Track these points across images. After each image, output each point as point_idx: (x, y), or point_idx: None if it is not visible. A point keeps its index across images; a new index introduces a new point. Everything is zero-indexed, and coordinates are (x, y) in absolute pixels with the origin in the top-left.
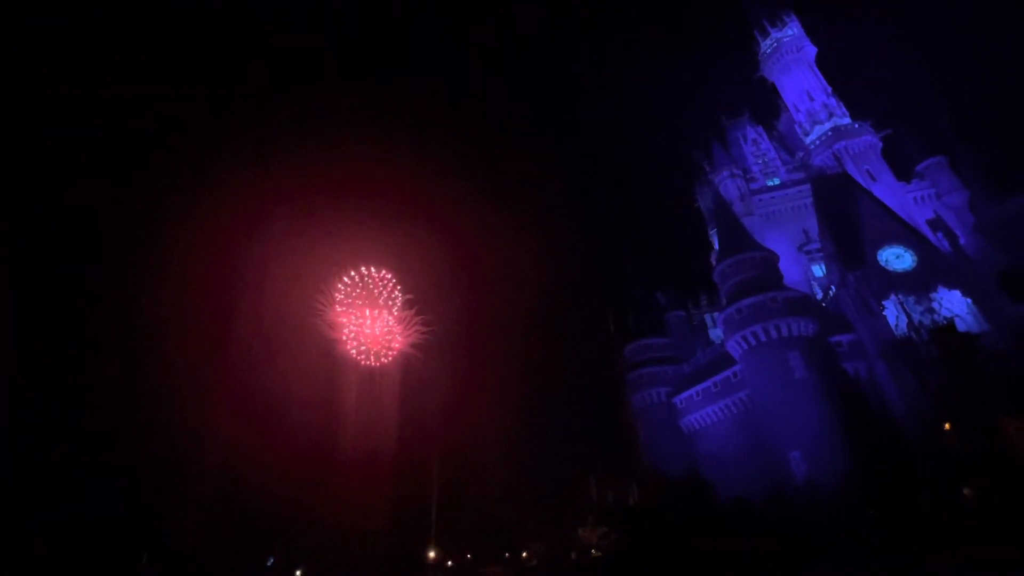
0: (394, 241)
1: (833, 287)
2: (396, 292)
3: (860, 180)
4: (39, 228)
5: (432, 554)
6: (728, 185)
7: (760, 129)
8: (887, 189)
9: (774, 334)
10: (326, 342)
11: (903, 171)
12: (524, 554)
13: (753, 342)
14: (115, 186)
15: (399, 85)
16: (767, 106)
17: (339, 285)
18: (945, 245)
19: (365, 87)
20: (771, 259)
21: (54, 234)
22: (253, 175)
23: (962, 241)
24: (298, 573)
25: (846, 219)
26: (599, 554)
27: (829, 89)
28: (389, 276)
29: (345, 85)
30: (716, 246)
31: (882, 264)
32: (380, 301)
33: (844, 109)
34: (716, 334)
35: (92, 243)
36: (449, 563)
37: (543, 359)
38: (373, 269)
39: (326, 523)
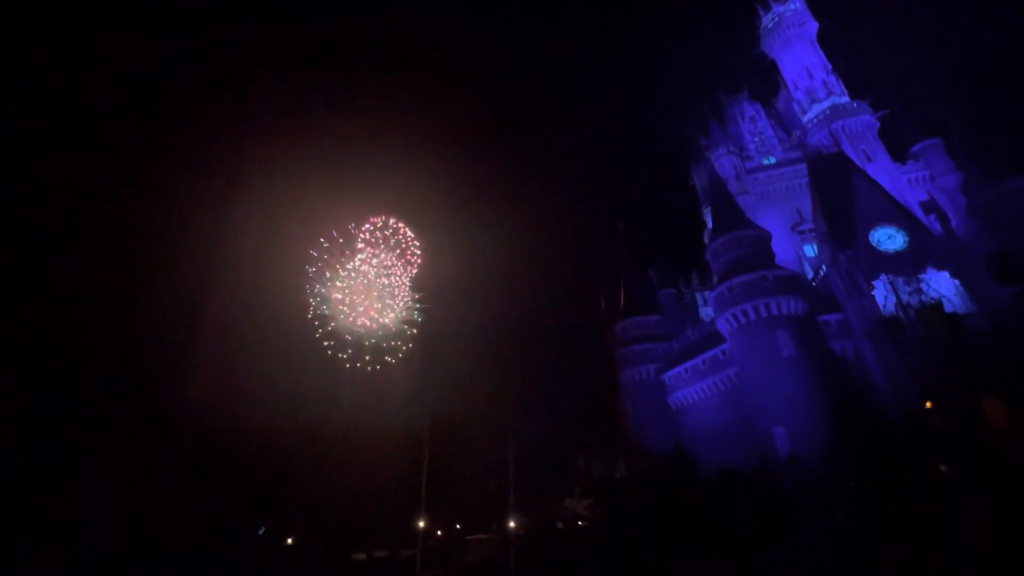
0: (385, 201)
1: (824, 267)
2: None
3: (856, 160)
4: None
5: (422, 523)
6: (724, 163)
7: (758, 106)
8: (882, 170)
9: (764, 312)
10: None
11: (899, 152)
12: (511, 524)
13: (743, 320)
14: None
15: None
16: (766, 83)
17: (353, 229)
18: (937, 227)
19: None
20: (764, 238)
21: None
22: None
23: (954, 223)
24: (289, 541)
25: (840, 199)
26: (585, 524)
27: (829, 67)
28: (406, 228)
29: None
30: (710, 224)
31: (873, 244)
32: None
33: (843, 87)
34: (707, 313)
35: (71, 213)
36: (439, 532)
37: (533, 334)
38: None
39: (316, 494)
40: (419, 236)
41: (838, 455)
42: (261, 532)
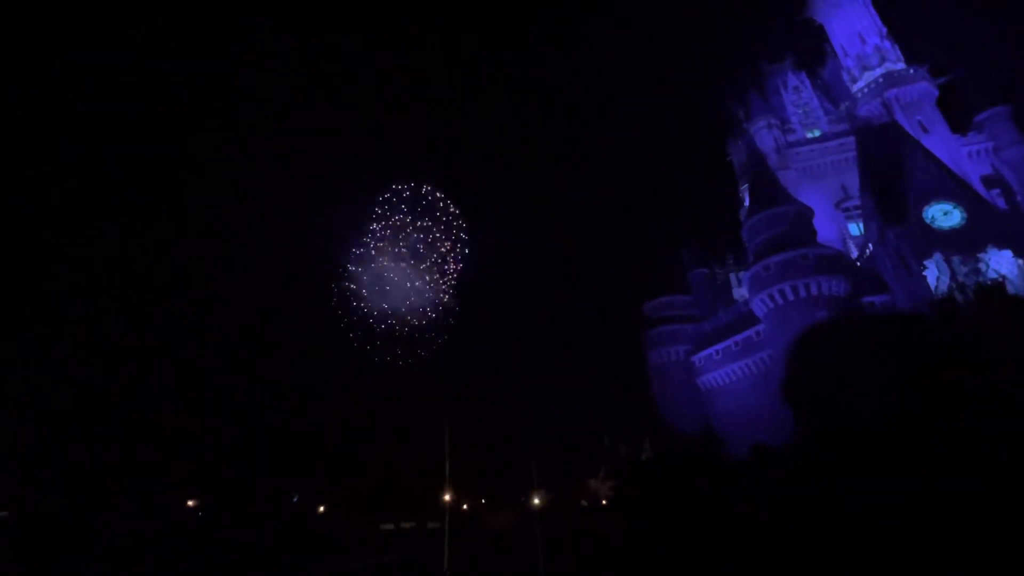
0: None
1: (870, 245)
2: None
3: (910, 131)
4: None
5: (447, 497)
6: (764, 136)
7: (803, 76)
8: (940, 142)
9: (803, 293)
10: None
11: (960, 123)
12: (536, 500)
13: (780, 301)
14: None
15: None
16: (812, 51)
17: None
18: (1001, 202)
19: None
20: (805, 214)
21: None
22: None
23: (1020, 198)
24: (321, 509)
25: (891, 173)
26: (608, 504)
27: (884, 30)
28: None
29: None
30: (747, 202)
31: (927, 221)
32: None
33: (899, 53)
34: (740, 293)
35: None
36: (464, 506)
37: (561, 314)
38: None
39: (347, 465)
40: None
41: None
42: (295, 500)
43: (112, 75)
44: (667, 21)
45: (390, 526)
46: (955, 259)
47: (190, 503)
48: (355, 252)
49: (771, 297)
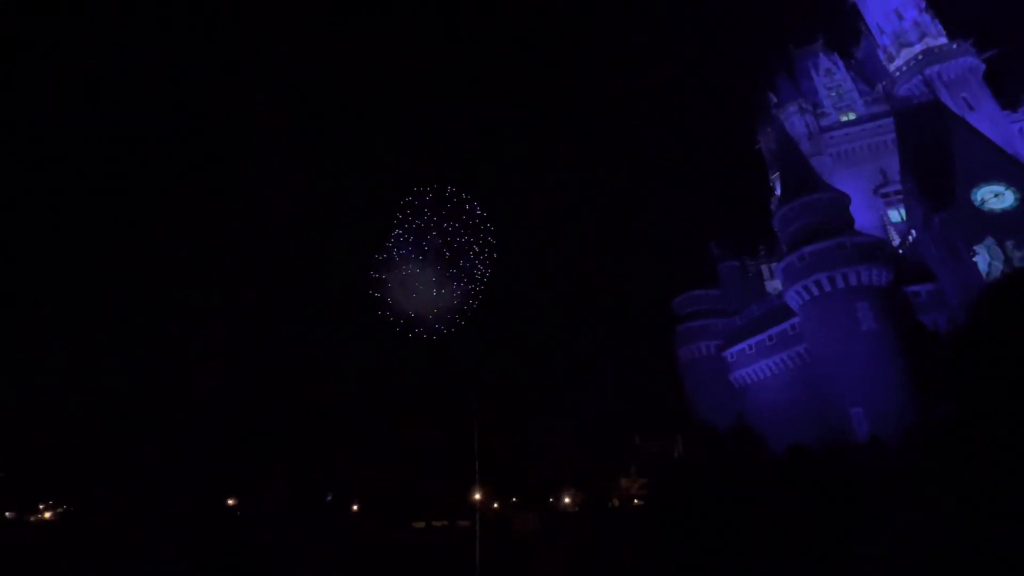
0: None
1: (914, 232)
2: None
3: (955, 109)
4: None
5: (477, 496)
6: (795, 121)
7: (835, 57)
8: (987, 119)
9: (840, 283)
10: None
11: (1009, 99)
12: (566, 500)
13: (816, 292)
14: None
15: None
16: (844, 32)
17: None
18: None
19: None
20: (841, 201)
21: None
22: None
23: None
24: (354, 508)
25: (935, 154)
26: (640, 503)
27: (923, 4)
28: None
29: None
30: (778, 191)
31: (976, 204)
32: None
33: (940, 27)
34: (773, 286)
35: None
36: (495, 505)
37: (590, 307)
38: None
39: (378, 465)
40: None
41: (930, 442)
42: (328, 499)
43: (145, 82)
44: (694, 9)
45: (422, 524)
46: (1008, 243)
47: (230, 502)
48: (380, 257)
49: (806, 289)
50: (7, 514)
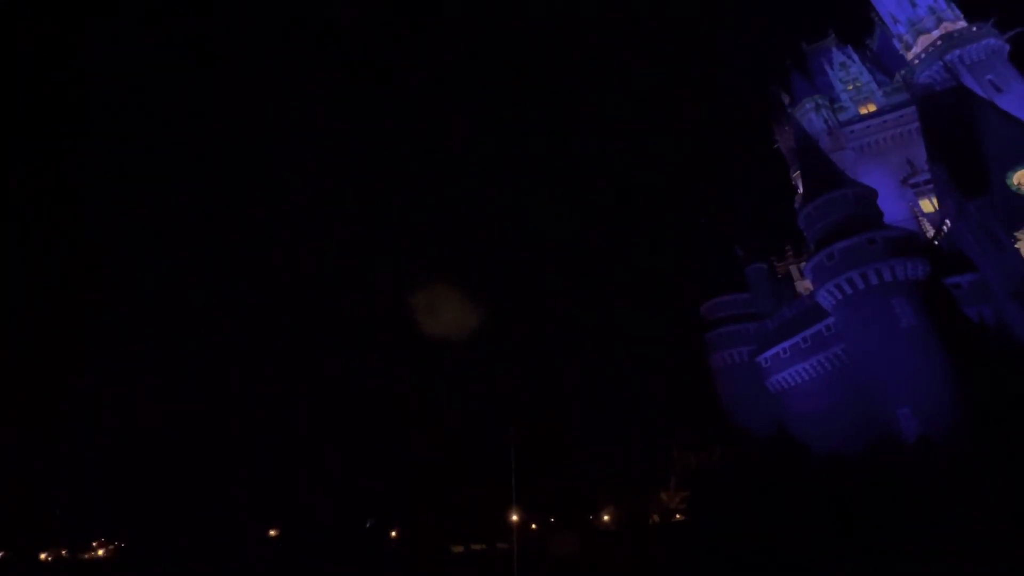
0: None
1: (948, 221)
2: None
3: (980, 93)
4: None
5: (515, 517)
6: (812, 118)
7: (849, 50)
8: (1018, 100)
9: (874, 280)
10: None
11: None
12: (605, 518)
13: (849, 290)
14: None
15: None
16: (857, 24)
17: None
18: None
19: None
20: (867, 196)
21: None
22: None
23: None
24: (393, 534)
25: (963, 140)
26: (681, 518)
27: None
28: None
29: None
30: (800, 189)
31: (1012, 189)
32: None
33: (956, 11)
34: (803, 286)
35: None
36: (533, 526)
37: (619, 319)
38: None
39: (418, 488)
40: (498, 220)
41: (982, 440)
42: (369, 525)
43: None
44: (706, 13)
45: (460, 548)
46: None
47: (272, 532)
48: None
49: (839, 287)
50: (63, 552)
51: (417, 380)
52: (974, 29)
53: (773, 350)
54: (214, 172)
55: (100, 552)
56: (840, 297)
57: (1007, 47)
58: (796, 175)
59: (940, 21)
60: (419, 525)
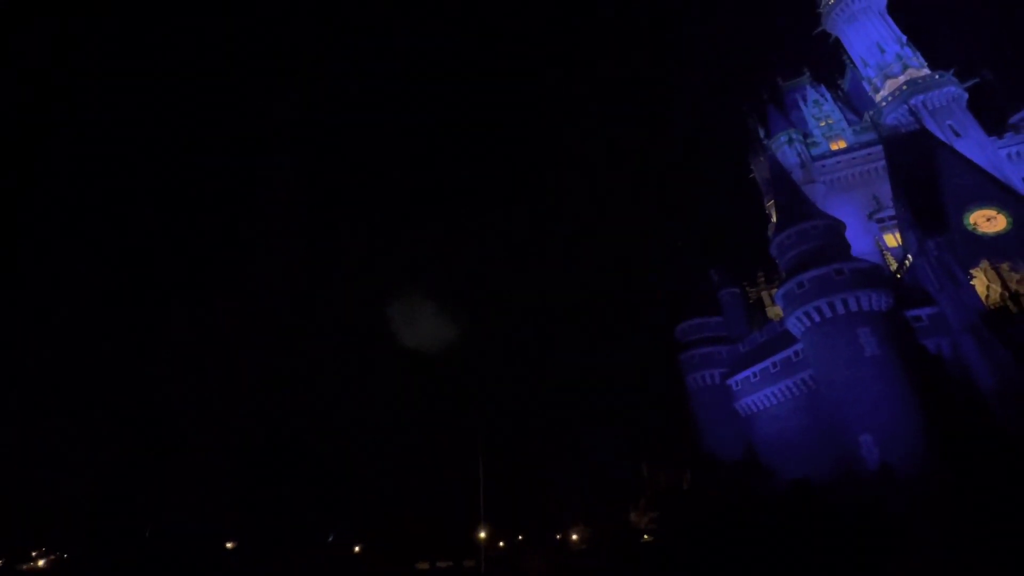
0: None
1: (910, 256)
2: None
3: (941, 137)
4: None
5: (483, 534)
6: (786, 151)
7: (823, 89)
8: (975, 145)
9: (841, 309)
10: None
11: (994, 125)
12: (574, 536)
13: (817, 318)
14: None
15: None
16: (830, 64)
17: None
18: None
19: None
20: (836, 227)
21: None
22: None
23: None
24: (356, 549)
25: (925, 180)
26: (650, 539)
27: (904, 38)
28: None
29: None
30: (773, 218)
31: (969, 228)
32: None
33: (921, 59)
34: (774, 312)
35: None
36: (500, 543)
37: (594, 340)
38: None
39: (382, 504)
40: (469, 243)
41: (939, 467)
42: (331, 539)
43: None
44: (683, 44)
45: (426, 565)
46: (1005, 266)
47: (228, 545)
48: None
49: (807, 315)
50: None
51: (383, 393)
52: (937, 77)
53: (744, 373)
54: (186, 185)
55: (40, 563)
56: (809, 324)
57: (966, 95)
58: (770, 204)
59: (906, 67)
60: (383, 540)
